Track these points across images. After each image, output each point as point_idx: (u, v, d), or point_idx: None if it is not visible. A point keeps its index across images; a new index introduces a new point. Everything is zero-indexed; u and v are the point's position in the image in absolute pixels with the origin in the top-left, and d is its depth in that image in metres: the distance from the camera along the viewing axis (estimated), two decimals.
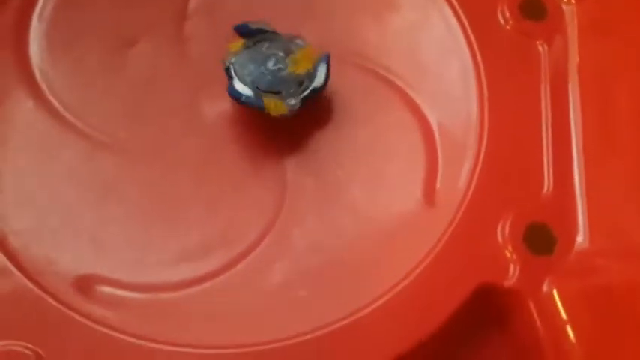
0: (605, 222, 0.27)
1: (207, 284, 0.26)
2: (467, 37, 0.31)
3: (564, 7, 0.31)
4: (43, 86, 0.29)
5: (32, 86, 0.29)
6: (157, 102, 0.30)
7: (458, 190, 0.28)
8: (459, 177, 0.29)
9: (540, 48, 0.31)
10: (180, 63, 0.31)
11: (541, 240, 0.27)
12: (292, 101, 0.28)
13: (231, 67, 0.28)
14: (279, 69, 0.28)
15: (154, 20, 0.31)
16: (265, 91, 0.28)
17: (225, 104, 0.30)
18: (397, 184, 0.29)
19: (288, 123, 0.29)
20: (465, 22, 0.31)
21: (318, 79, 0.28)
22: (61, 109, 0.29)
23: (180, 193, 0.28)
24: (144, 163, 0.28)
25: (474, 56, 0.31)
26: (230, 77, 0.28)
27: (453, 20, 0.31)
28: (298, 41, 0.29)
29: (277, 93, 0.28)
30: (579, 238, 0.27)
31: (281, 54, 0.28)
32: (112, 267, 0.26)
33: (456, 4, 0.31)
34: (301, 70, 0.28)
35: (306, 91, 0.28)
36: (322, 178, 0.29)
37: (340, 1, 0.31)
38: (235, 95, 0.28)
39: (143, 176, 0.28)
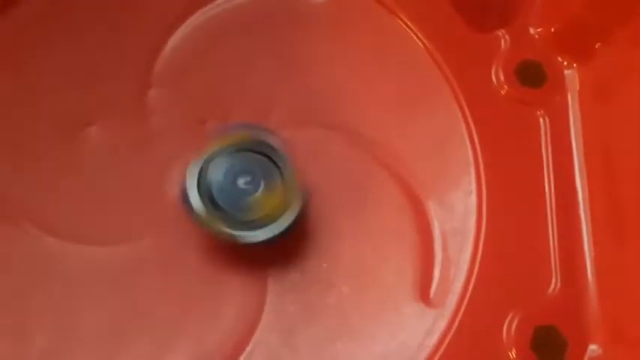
0: (621, 326, 0.24)
1: None
2: (460, 106, 0.28)
3: (565, 71, 0.29)
4: None
5: None
6: (116, 190, 0.26)
7: (456, 286, 0.26)
8: (458, 271, 0.26)
9: (541, 120, 0.28)
10: (143, 141, 0.27)
11: (550, 345, 0.25)
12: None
13: None
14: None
15: (114, 94, 0.27)
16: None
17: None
18: (389, 278, 0.26)
19: None
20: (458, 90, 0.28)
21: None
22: (7, 211, 0.25)
23: (146, 300, 0.25)
24: (104, 266, 0.25)
25: (469, 130, 0.28)
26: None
27: (447, 88, 0.28)
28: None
29: None
30: (592, 345, 0.24)
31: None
32: None
33: (448, 72, 0.28)
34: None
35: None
36: (306, 272, 0.26)
37: (322, 69, 0.28)
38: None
39: (104, 282, 0.25)
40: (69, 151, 0.26)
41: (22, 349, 0.24)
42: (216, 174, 0.24)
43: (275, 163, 0.25)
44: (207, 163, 0.24)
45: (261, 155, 0.25)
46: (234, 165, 0.25)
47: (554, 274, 0.25)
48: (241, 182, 0.24)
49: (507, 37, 0.29)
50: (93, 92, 0.27)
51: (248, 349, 0.24)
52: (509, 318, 0.25)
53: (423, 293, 0.26)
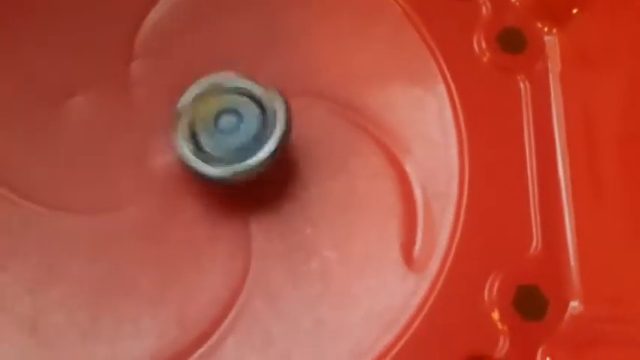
0: (601, 283, 0.25)
1: None
2: (442, 72, 0.28)
3: (545, 37, 0.29)
4: None
5: None
6: (100, 159, 0.26)
7: (439, 249, 0.26)
8: (440, 234, 0.26)
9: (521, 84, 0.28)
10: (127, 112, 0.27)
11: (532, 304, 0.25)
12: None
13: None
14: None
15: (97, 65, 0.27)
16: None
17: (175, 154, 0.27)
18: (372, 242, 0.26)
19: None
20: (440, 57, 0.29)
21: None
22: None
23: (130, 267, 0.25)
24: (87, 234, 0.25)
25: (450, 96, 0.28)
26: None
27: (428, 55, 0.29)
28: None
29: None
30: (574, 302, 0.25)
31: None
32: None
33: (429, 39, 0.29)
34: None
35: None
36: (290, 238, 0.26)
37: (303, 37, 0.28)
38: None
39: (86, 249, 0.25)
40: (52, 120, 0.26)
41: (1, 315, 0.24)
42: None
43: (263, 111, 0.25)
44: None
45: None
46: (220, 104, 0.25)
47: (535, 235, 0.26)
48: (223, 122, 0.24)
49: (488, 3, 0.29)
50: (76, 63, 0.27)
51: (232, 314, 0.25)
52: (490, 279, 0.25)
53: (406, 256, 0.26)
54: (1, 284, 0.24)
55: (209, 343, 0.24)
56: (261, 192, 0.26)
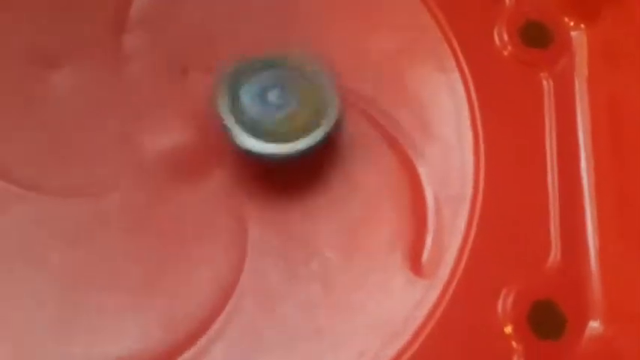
0: (624, 301, 0.23)
1: None
2: (459, 65, 0.26)
3: (572, 33, 0.27)
4: None
5: None
6: (85, 138, 0.24)
7: (450, 256, 0.24)
8: (451, 239, 0.24)
9: (545, 82, 0.26)
10: (117, 87, 0.25)
11: (548, 321, 0.23)
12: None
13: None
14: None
15: (85, 34, 0.25)
16: None
17: (170, 138, 0.24)
18: (378, 245, 0.24)
19: (249, 165, 0.24)
20: (458, 47, 0.27)
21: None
22: None
23: (112, 257, 0.23)
24: (65, 218, 0.23)
25: (467, 91, 0.26)
26: None
27: (445, 46, 0.27)
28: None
29: None
30: (593, 321, 0.23)
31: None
32: None
33: (447, 28, 0.27)
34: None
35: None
36: (289, 236, 0.24)
37: (313, 22, 0.26)
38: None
39: (64, 235, 0.23)
40: (33, 92, 0.24)
41: None
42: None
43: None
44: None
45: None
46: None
47: (553, 246, 0.24)
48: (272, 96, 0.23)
49: None
50: (62, 30, 0.25)
51: (222, 316, 0.22)
52: (505, 291, 0.23)
53: (414, 262, 0.24)
54: None
55: (195, 346, 0.22)
56: (260, 184, 0.24)
